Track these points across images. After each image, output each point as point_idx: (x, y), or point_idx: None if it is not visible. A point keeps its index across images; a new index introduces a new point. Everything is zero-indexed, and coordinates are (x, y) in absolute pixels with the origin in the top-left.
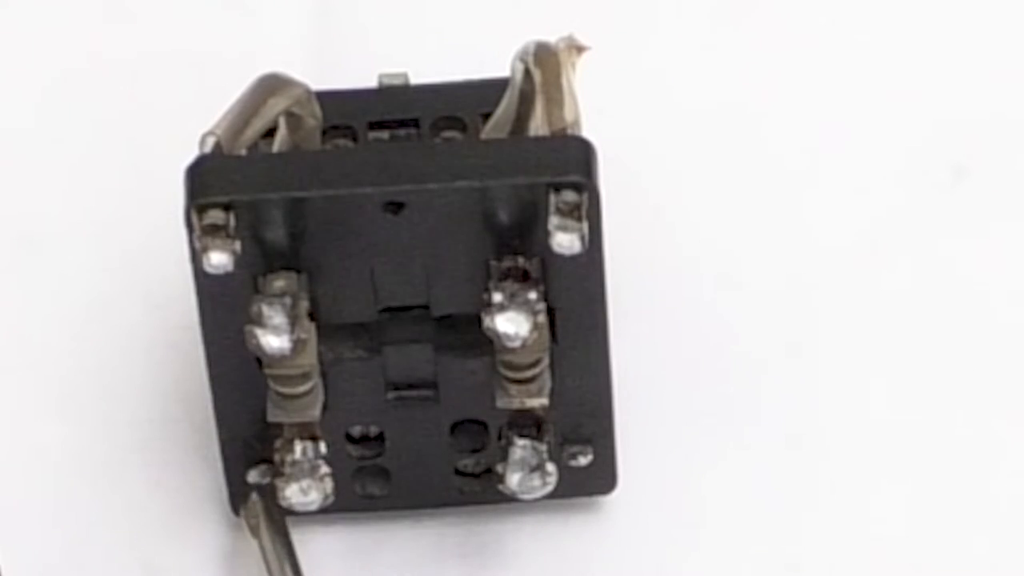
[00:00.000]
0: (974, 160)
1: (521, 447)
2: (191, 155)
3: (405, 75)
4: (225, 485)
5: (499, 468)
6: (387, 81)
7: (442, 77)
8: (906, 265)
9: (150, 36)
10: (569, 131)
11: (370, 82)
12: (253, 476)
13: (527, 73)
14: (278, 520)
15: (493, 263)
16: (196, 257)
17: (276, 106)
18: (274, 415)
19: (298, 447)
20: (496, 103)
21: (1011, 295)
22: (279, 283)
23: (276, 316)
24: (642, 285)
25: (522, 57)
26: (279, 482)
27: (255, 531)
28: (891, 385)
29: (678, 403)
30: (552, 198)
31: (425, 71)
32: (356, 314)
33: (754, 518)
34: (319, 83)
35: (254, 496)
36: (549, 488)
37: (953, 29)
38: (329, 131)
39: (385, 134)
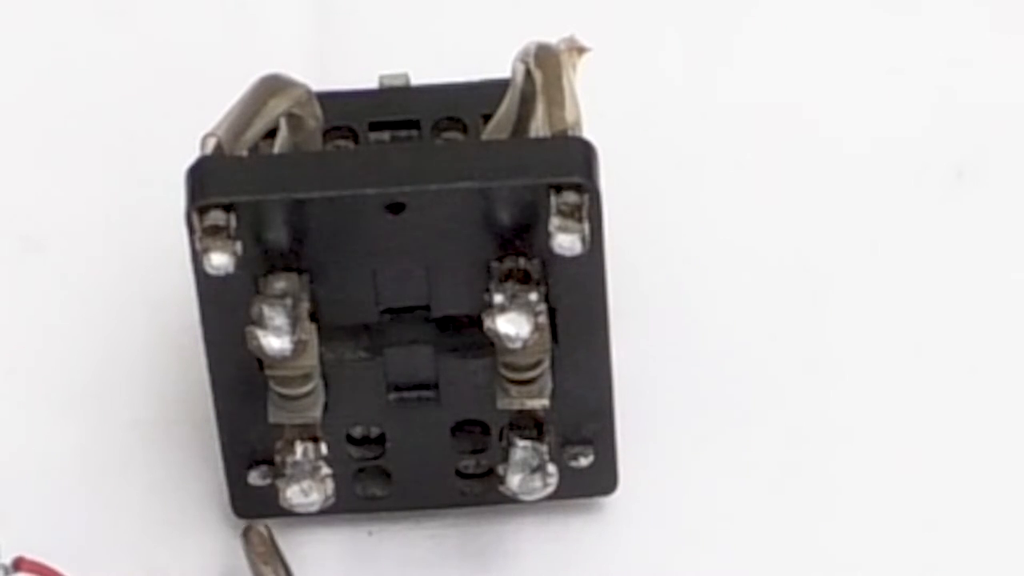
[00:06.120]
0: (974, 160)
1: (522, 448)
2: (192, 156)
3: (406, 76)
4: (225, 486)
5: (500, 469)
6: (388, 82)
7: (443, 78)
8: (906, 265)
9: (151, 36)
10: (570, 132)
11: (371, 83)
12: (254, 477)
13: (528, 74)
14: (279, 553)
15: (494, 264)
16: (197, 258)
17: (277, 107)
18: (275, 416)
19: (299, 448)
20: (497, 104)
21: (1011, 294)
22: (280, 284)
23: (277, 317)
24: (642, 285)
25: (523, 58)
26: (280, 483)
27: (260, 558)
28: (892, 384)
29: (678, 403)
30: (553, 199)
31: (426, 72)
32: (357, 315)
33: (754, 518)
34: (319, 84)
35: (262, 527)
36: (550, 489)
37: (954, 30)
38: (330, 132)
39: (386, 135)
